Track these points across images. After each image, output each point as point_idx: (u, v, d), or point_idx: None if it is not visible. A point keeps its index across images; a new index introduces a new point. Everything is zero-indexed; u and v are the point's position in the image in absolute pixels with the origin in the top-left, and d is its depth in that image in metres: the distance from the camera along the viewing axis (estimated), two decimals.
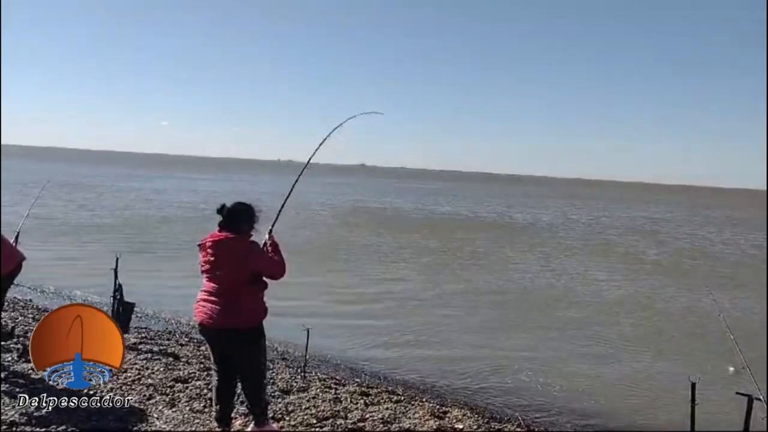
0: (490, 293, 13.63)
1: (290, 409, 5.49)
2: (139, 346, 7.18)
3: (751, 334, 10.48)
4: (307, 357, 6.91)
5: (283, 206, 5.00)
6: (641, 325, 11.47)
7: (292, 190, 5.11)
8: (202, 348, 7.42)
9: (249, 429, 4.65)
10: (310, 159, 5.46)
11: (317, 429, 5.08)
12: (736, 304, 13.67)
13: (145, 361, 6.52)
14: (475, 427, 5.64)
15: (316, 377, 6.91)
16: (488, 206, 46.91)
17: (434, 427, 5.42)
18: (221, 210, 4.43)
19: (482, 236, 24.81)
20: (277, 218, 4.93)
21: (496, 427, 5.77)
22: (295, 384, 6.30)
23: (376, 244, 20.65)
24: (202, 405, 5.36)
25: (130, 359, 6.50)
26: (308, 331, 6.69)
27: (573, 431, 6.47)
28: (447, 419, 5.84)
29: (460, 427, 5.57)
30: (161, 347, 7.27)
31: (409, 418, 5.66)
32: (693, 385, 4.50)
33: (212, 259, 4.33)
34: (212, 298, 4.28)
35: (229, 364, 4.41)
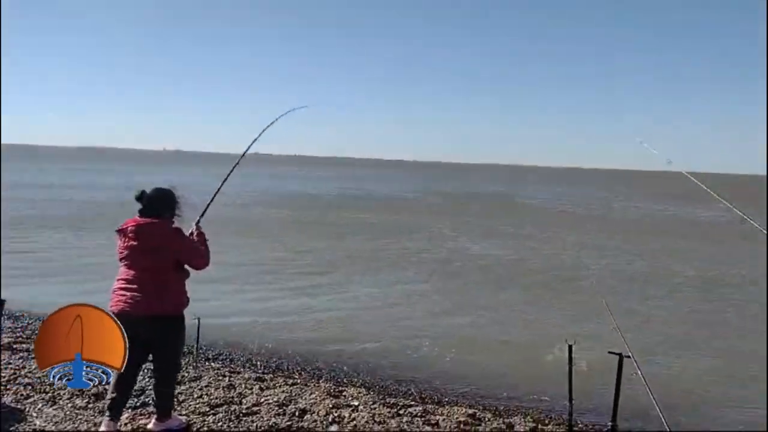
0: (390, 267, 13.86)
1: (181, 398, 5.35)
2: (14, 346, 6.71)
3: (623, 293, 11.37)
4: (199, 347, 6.74)
5: (213, 198, 5.01)
6: (529, 290, 12.11)
7: (224, 182, 5.24)
8: None
9: (151, 425, 4.49)
10: (244, 153, 5.59)
11: (210, 416, 4.99)
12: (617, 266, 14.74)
13: (21, 361, 6.11)
14: (370, 402, 5.75)
15: (209, 367, 6.77)
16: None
17: (330, 405, 5.47)
18: (140, 196, 4.29)
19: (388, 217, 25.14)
20: (205, 210, 4.89)
21: (391, 402, 5.90)
22: (186, 374, 6.14)
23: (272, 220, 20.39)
24: (85, 401, 5.10)
25: (4, 359, 6.08)
26: (199, 320, 6.53)
27: (466, 399, 6.73)
28: (343, 398, 5.91)
29: (356, 404, 5.66)
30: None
31: (305, 399, 5.68)
32: (570, 347, 4.82)
33: (134, 244, 4.18)
34: (133, 286, 4.14)
35: (141, 353, 4.25)
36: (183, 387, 5.68)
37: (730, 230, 23.53)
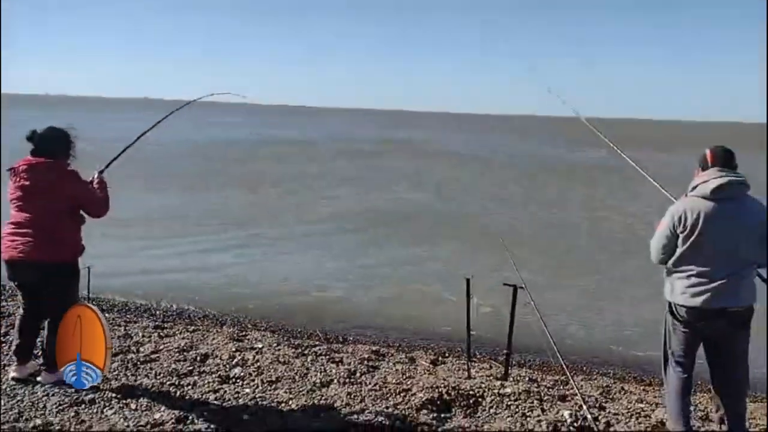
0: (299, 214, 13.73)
1: None
2: None
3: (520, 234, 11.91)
4: (91, 296, 6.41)
5: (124, 150, 4.86)
6: (429, 233, 12.39)
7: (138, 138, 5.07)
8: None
9: (41, 377, 4.27)
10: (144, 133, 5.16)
11: None
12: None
13: None
14: (275, 344, 5.74)
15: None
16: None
17: (233, 349, 5.41)
18: (32, 136, 4.03)
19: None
20: (113, 161, 4.69)
21: (296, 343, 5.91)
22: None
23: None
24: None
25: None
26: (89, 269, 6.18)
27: (370, 338, 6.87)
28: (246, 341, 5.86)
29: (260, 346, 5.63)
30: None
31: (207, 344, 5.57)
32: (468, 281, 4.98)
33: (27, 184, 3.95)
34: (24, 230, 3.93)
35: (38, 301, 4.10)
36: None
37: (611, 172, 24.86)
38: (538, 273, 9.23)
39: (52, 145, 4.08)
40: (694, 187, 3.61)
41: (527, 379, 5.11)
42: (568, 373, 4.40)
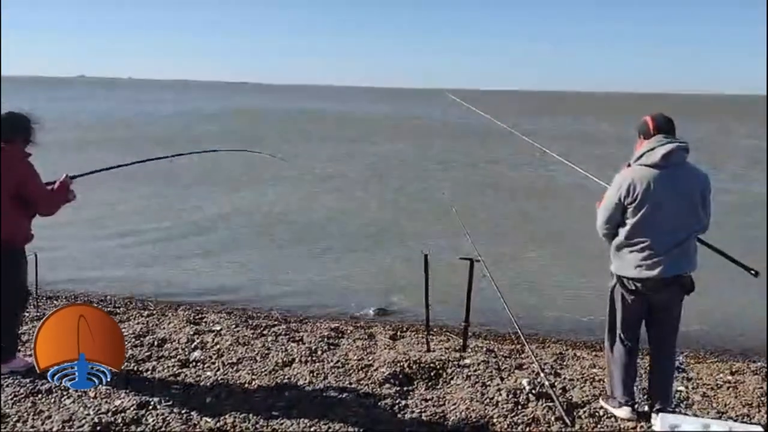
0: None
1: (24, 339, 4.94)
2: None
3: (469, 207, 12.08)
4: (38, 285, 6.21)
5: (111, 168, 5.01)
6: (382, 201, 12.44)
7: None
8: None
9: None
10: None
11: None
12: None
13: None
14: (233, 326, 5.70)
15: (51, 305, 6.30)
16: None
17: (191, 332, 5.35)
18: None
19: None
20: (92, 173, 4.74)
21: (254, 324, 5.89)
22: (27, 314, 5.65)
23: None
24: None
25: None
26: (36, 255, 5.97)
27: (328, 315, 6.89)
28: (204, 324, 5.81)
29: (218, 328, 5.58)
30: None
31: (164, 328, 5.50)
32: (426, 257, 5.04)
33: None
34: None
35: None
36: (25, 327, 5.23)
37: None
38: (486, 239, 9.39)
39: (10, 127, 4.01)
40: (639, 156, 3.59)
41: (485, 350, 5.25)
42: (524, 341, 4.54)
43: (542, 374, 4.20)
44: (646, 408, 3.85)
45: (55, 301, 6.64)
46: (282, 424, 3.66)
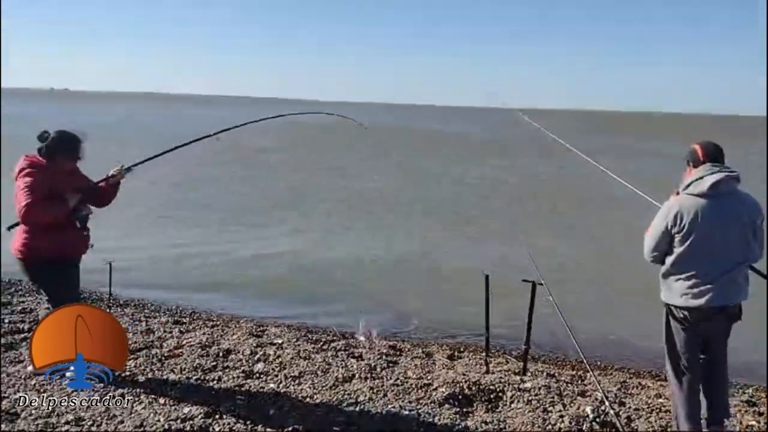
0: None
1: None
2: None
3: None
4: (112, 292, 6.49)
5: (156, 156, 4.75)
6: (440, 220, 12.43)
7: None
8: None
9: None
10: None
11: (131, 361, 4.87)
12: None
13: None
14: (294, 339, 5.81)
15: (124, 313, 6.57)
16: None
17: (254, 344, 5.48)
18: (41, 137, 4.12)
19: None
20: (142, 162, 4.65)
21: (314, 338, 5.99)
22: None
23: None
24: None
25: None
26: (110, 264, 6.26)
27: (386, 332, 6.91)
28: (266, 336, 5.94)
29: (280, 341, 5.70)
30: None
31: (228, 339, 5.65)
32: (487, 278, 5.03)
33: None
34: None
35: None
36: None
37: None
38: (550, 261, 9.25)
39: (55, 147, 4.13)
40: (688, 185, 3.56)
41: (545, 374, 5.17)
42: (588, 367, 4.46)
43: (606, 402, 4.11)
44: None
45: (125, 309, 6.91)
46: None
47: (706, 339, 3.68)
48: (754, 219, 3.53)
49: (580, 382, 5.06)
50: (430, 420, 4.05)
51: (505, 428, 3.98)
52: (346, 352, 5.46)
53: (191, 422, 3.79)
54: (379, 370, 4.98)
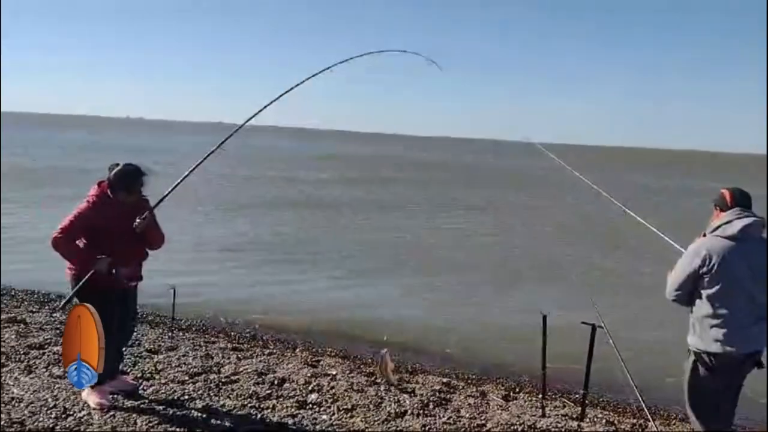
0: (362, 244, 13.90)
1: (159, 368, 5.35)
2: None
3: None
4: (175, 317, 6.70)
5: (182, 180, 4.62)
6: (495, 266, 12.29)
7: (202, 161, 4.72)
8: (56, 314, 6.96)
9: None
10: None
11: (189, 385, 5.01)
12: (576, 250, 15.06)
13: None
14: (347, 371, 5.84)
15: (184, 337, 6.76)
16: None
17: (308, 374, 5.54)
18: (110, 168, 4.34)
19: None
20: (168, 194, 4.58)
21: (368, 371, 5.99)
22: (162, 344, 6.12)
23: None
24: (61, 370, 5.07)
25: None
26: (174, 290, 6.48)
27: (440, 369, 6.84)
28: (320, 367, 5.99)
29: (334, 372, 5.74)
30: (9, 315, 6.73)
31: (283, 368, 5.73)
32: (544, 318, 4.95)
33: None
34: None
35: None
36: (161, 356, 5.67)
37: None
38: (602, 296, 8.99)
39: (115, 182, 4.30)
40: (716, 228, 3.61)
41: (604, 421, 5.01)
42: (649, 416, 4.30)
43: None
44: None
45: (186, 333, 7.09)
46: None
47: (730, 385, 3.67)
48: None
49: (641, 431, 4.87)
50: None
51: None
52: (398, 387, 5.44)
53: None
54: (431, 407, 4.94)
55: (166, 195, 4.55)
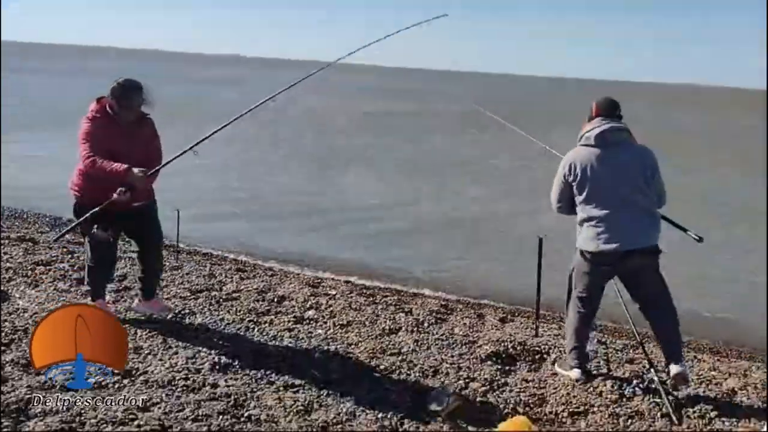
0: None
1: (163, 284, 5.48)
2: None
3: None
4: (179, 238, 6.81)
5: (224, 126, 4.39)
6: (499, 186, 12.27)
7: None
8: (68, 236, 7.11)
9: (134, 305, 4.70)
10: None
11: (191, 301, 5.15)
12: None
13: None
14: (347, 292, 5.95)
15: (189, 258, 6.90)
16: None
17: (308, 293, 5.66)
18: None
19: None
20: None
21: (368, 292, 6.11)
22: (167, 263, 6.25)
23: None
24: (67, 285, 5.24)
25: None
26: (178, 212, 6.56)
27: (439, 291, 6.94)
28: (321, 287, 6.10)
29: (333, 293, 5.85)
30: (19, 234, 6.91)
31: (284, 288, 5.85)
32: (540, 241, 4.95)
33: None
34: None
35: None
36: (164, 275, 5.80)
37: None
38: None
39: (114, 93, 4.20)
40: (580, 138, 3.88)
41: (596, 341, 5.08)
42: (637, 336, 4.36)
43: (653, 370, 4.02)
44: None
45: (194, 256, 7.20)
46: (382, 384, 3.83)
47: (624, 282, 3.98)
48: (644, 166, 3.79)
49: (632, 351, 4.94)
50: (470, 374, 4.09)
51: (545, 387, 3.98)
52: (397, 307, 5.55)
53: (239, 359, 3.99)
54: (426, 325, 5.05)
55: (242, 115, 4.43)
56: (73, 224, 4.30)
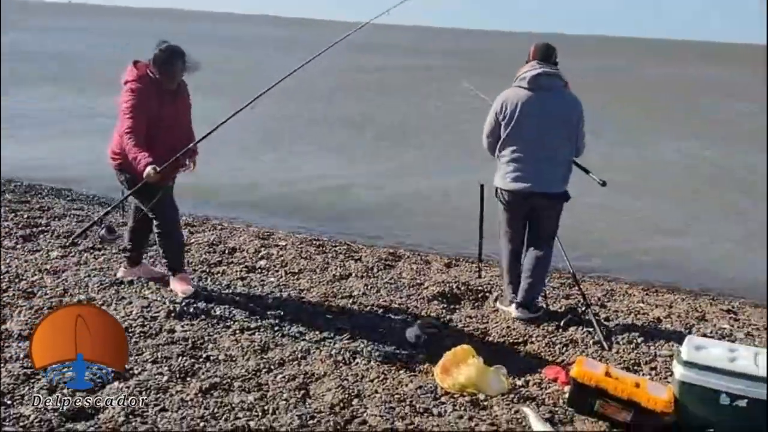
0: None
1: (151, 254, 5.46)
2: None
3: None
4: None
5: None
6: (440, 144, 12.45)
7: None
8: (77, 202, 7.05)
9: (120, 272, 4.63)
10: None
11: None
12: None
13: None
14: (297, 243, 6.07)
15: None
16: None
17: (259, 245, 5.75)
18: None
19: None
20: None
21: (317, 243, 6.24)
22: (113, 220, 6.21)
23: None
24: (13, 242, 5.18)
25: None
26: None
27: (388, 240, 7.12)
28: (271, 239, 6.19)
29: (284, 243, 5.96)
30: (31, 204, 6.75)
31: (235, 240, 5.92)
32: (482, 187, 5.15)
33: None
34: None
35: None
36: (119, 230, 5.77)
37: None
38: None
39: (159, 58, 4.08)
40: (516, 78, 4.01)
41: None
42: (572, 273, 4.64)
43: (586, 304, 4.33)
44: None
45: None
46: (334, 324, 4.01)
47: (528, 216, 4.18)
48: (570, 115, 3.97)
49: (568, 289, 5.26)
50: (419, 312, 4.31)
51: (488, 322, 4.24)
52: (347, 255, 5.71)
53: (194, 305, 4.08)
54: (375, 270, 5.24)
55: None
56: (129, 192, 4.26)
